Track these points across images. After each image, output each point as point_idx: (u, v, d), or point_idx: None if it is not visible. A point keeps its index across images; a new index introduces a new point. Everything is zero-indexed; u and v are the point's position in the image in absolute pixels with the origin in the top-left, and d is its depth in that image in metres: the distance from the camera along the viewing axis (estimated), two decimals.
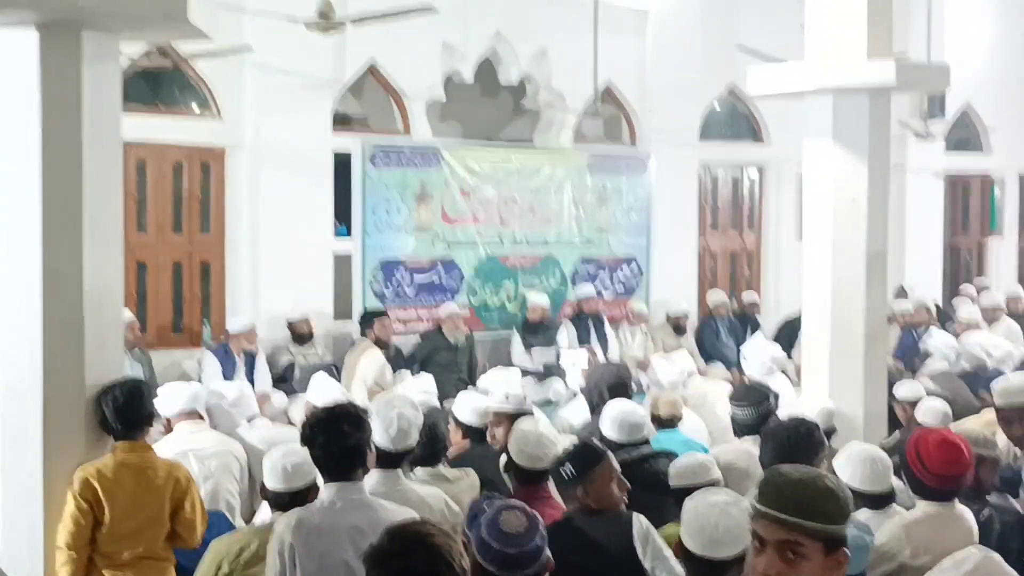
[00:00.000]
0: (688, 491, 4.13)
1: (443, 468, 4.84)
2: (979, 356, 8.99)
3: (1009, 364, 8.50)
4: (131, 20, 4.53)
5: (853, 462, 4.18)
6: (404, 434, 4.22)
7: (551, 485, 4.30)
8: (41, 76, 4.32)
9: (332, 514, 3.55)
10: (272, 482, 4.07)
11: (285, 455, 4.07)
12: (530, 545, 3.04)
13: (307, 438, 3.68)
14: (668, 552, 3.83)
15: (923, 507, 3.80)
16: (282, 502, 4.05)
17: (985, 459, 4.30)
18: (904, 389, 6.65)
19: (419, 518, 3.34)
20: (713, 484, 4.24)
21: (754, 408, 5.42)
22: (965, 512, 3.89)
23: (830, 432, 5.18)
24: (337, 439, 3.62)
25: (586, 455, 4.01)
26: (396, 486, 4.15)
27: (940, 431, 4.19)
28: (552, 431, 4.60)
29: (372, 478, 4.00)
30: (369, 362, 8.36)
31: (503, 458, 4.51)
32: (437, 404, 6.58)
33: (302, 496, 4.03)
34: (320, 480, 3.86)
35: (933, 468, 3.75)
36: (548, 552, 3.11)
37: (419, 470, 4.79)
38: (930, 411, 6.02)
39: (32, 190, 4.34)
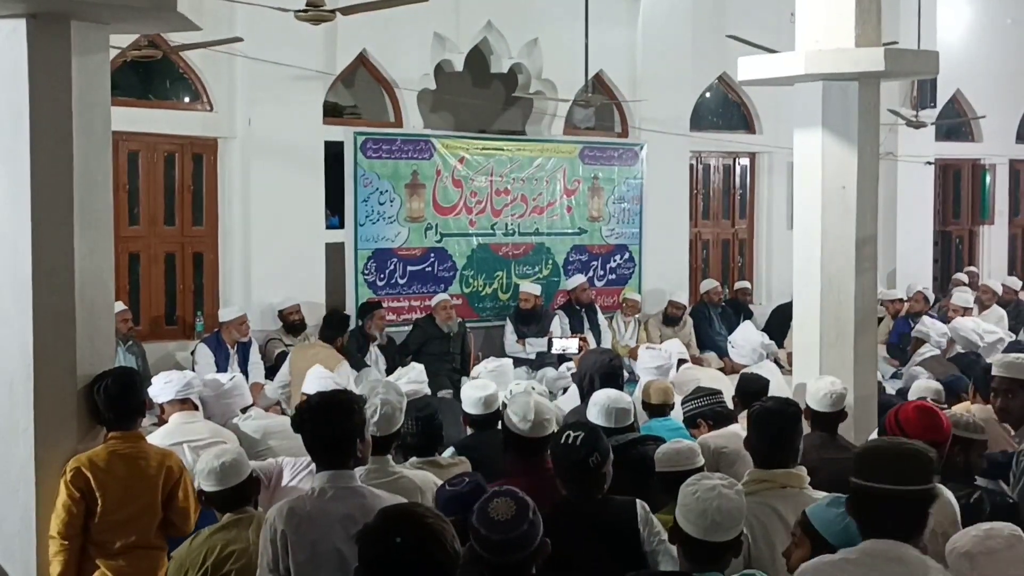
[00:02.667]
0: (672, 476, 4.18)
1: (438, 456, 4.86)
2: (972, 339, 9.05)
3: (999, 349, 8.56)
4: (120, 11, 4.52)
5: None
6: (388, 420, 4.27)
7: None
8: (30, 67, 4.30)
9: (323, 502, 3.56)
10: (208, 484, 4.12)
11: (217, 455, 4.15)
12: (516, 532, 3.04)
13: (299, 425, 3.70)
14: (665, 535, 3.86)
15: None
16: (220, 500, 4.11)
17: (973, 442, 4.33)
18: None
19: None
20: (698, 470, 4.28)
21: (701, 399, 5.66)
22: (943, 490, 3.93)
23: (841, 417, 5.23)
24: (328, 427, 3.64)
25: (605, 443, 4.00)
26: (386, 471, 4.18)
27: (918, 401, 4.24)
28: (546, 401, 4.63)
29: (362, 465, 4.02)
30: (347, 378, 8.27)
31: None
32: (428, 392, 6.61)
33: (241, 492, 4.10)
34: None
35: (913, 433, 3.77)
36: (540, 538, 3.11)
37: (414, 459, 4.81)
38: (923, 388, 6.27)
39: (22, 181, 4.33)
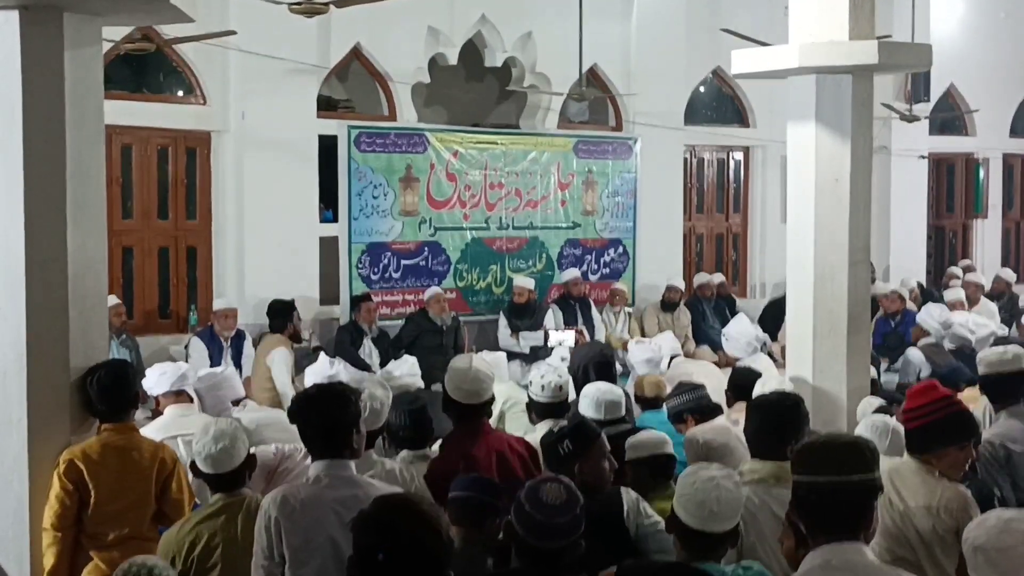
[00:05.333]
0: (640, 462, 4.28)
1: (428, 450, 4.86)
2: (963, 335, 9.04)
3: (990, 343, 8.55)
4: (113, 2, 4.53)
5: (871, 432, 4.30)
6: (375, 414, 4.26)
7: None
8: (22, 59, 4.30)
9: (319, 490, 3.59)
10: (204, 467, 4.06)
11: (216, 438, 4.05)
12: (562, 519, 3.07)
13: (295, 415, 3.72)
14: (658, 519, 3.88)
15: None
16: (214, 481, 4.07)
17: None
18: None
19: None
20: (669, 456, 4.37)
21: (685, 395, 5.72)
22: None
23: None
24: (324, 417, 3.65)
25: (584, 433, 4.07)
26: (368, 463, 4.19)
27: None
28: (487, 368, 4.67)
29: None
30: (280, 363, 8.34)
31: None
32: (421, 386, 6.60)
33: (235, 476, 4.05)
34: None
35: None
36: (579, 535, 3.12)
37: (405, 452, 4.82)
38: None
39: (14, 173, 4.33)
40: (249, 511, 3.92)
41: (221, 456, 4.03)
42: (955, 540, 3.83)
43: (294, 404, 3.78)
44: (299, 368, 8.29)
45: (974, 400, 5.51)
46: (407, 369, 6.65)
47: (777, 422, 4.10)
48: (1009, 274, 12.96)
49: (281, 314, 8.85)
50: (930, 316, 9.15)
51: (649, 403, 6.05)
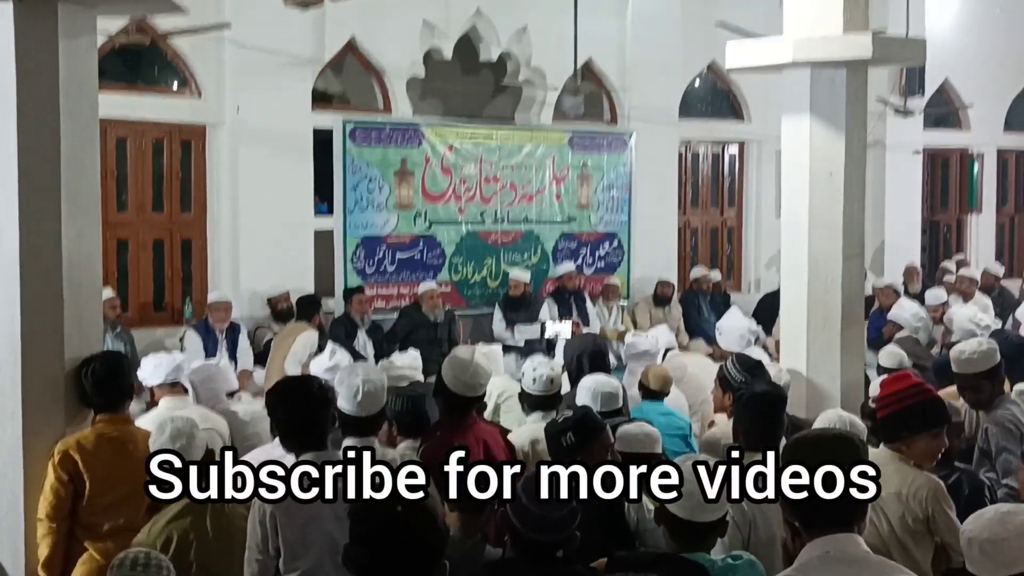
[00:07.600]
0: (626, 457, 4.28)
1: None
2: (968, 328, 9.04)
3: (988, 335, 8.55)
4: None
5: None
6: (371, 398, 4.14)
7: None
8: (17, 50, 4.30)
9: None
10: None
11: (173, 437, 3.95)
12: (556, 513, 3.08)
13: (269, 408, 3.73)
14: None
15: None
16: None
17: (951, 425, 4.36)
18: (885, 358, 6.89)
19: None
20: (655, 455, 4.34)
21: (747, 373, 5.52)
22: None
23: None
24: (297, 410, 3.66)
25: (588, 425, 4.07)
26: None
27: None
28: (488, 365, 4.70)
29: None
30: (303, 343, 8.38)
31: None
32: (420, 379, 6.60)
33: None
34: None
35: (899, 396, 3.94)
36: (573, 529, 3.13)
37: (407, 442, 4.83)
38: (889, 355, 6.82)
39: (9, 164, 4.34)
40: (215, 507, 3.89)
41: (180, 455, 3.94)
42: (926, 531, 3.84)
43: (268, 398, 3.80)
44: None
45: (956, 396, 5.49)
46: (408, 361, 6.63)
47: (770, 414, 4.13)
48: (997, 268, 12.97)
49: (309, 305, 9.17)
50: (902, 310, 9.13)
51: (652, 395, 6.04)
